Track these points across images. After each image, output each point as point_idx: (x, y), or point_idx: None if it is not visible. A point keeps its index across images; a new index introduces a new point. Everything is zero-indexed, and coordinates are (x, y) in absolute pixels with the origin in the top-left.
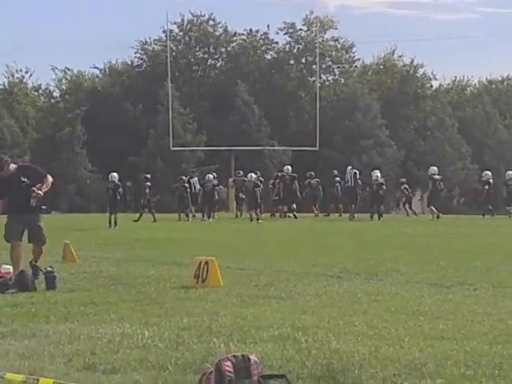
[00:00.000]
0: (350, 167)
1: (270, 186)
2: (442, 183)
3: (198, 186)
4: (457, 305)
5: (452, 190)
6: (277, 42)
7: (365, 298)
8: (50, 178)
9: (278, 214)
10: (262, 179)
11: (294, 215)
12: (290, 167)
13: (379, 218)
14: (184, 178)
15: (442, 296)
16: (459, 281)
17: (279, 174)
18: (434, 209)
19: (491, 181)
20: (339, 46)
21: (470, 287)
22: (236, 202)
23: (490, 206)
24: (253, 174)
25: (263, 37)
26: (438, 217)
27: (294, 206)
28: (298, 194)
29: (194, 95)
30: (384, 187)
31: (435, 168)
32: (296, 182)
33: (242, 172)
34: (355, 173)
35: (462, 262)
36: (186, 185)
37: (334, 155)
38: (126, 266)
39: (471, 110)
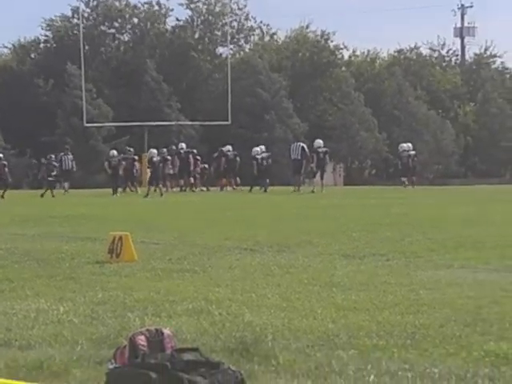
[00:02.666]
0: (298, 143)
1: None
2: (327, 156)
3: (70, 163)
4: (369, 276)
5: (363, 161)
6: (172, 10)
7: (278, 270)
8: None
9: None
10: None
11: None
12: (230, 147)
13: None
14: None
15: (354, 267)
16: (371, 252)
17: (222, 150)
18: (322, 182)
19: (411, 153)
20: (240, 11)
21: (382, 258)
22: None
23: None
24: (154, 150)
25: (158, 6)
26: (321, 191)
27: (238, 179)
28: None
29: (101, 71)
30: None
31: (320, 141)
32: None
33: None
34: (303, 147)
35: (374, 233)
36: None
37: (241, 130)
38: (40, 242)
39: (382, 82)
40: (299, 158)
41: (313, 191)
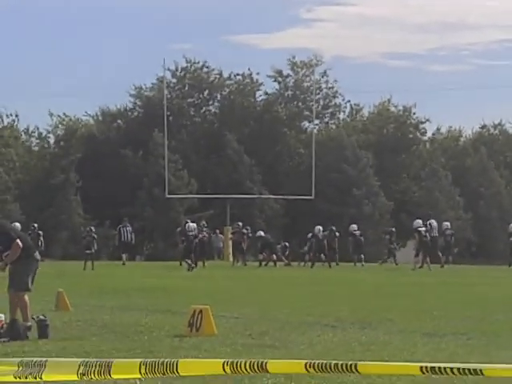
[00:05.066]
0: (432, 220)
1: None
2: (428, 233)
3: (128, 235)
4: (449, 355)
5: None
6: (262, 84)
7: (358, 347)
8: (16, 245)
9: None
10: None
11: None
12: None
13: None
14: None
15: (434, 345)
16: (452, 330)
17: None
18: (427, 260)
19: (449, 232)
20: (328, 89)
21: (463, 337)
22: (235, 251)
23: None
24: (193, 224)
25: (249, 80)
26: (429, 269)
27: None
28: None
29: (187, 142)
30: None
31: (419, 221)
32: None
33: (240, 224)
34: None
35: (456, 311)
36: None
37: (327, 205)
38: (119, 314)
39: (468, 159)
40: (436, 235)
41: (413, 269)
